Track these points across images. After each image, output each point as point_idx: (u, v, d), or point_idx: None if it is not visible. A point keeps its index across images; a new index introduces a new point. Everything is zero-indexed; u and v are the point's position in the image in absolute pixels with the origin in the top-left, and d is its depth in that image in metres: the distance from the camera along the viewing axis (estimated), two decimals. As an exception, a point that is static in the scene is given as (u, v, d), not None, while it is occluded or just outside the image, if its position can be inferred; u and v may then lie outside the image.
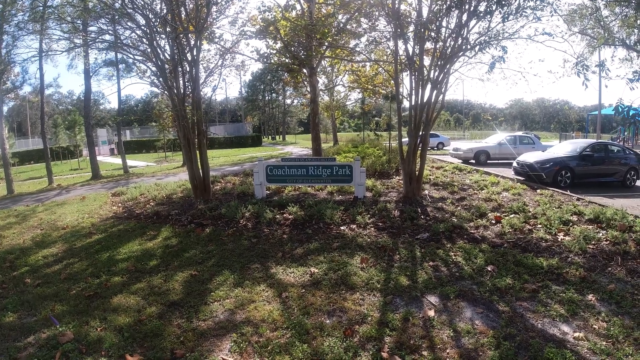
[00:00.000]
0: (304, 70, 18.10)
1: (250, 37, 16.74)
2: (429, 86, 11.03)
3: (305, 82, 23.91)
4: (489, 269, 6.22)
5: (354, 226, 8.77)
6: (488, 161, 20.88)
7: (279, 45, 17.29)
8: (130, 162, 26.85)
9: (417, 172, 11.26)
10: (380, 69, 22.04)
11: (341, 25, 16.88)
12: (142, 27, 11.37)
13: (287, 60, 18.15)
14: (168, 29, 11.12)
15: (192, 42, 11.35)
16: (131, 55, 13.88)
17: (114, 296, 5.61)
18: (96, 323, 4.86)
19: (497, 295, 5.39)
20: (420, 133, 11.26)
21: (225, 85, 49.94)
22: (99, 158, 30.77)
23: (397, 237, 8.01)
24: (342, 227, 8.70)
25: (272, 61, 18.06)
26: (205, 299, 5.46)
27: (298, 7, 18.08)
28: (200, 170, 11.46)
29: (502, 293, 5.44)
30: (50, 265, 7.33)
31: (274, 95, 65.33)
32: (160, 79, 11.56)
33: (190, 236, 8.46)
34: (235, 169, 19.89)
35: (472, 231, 8.26)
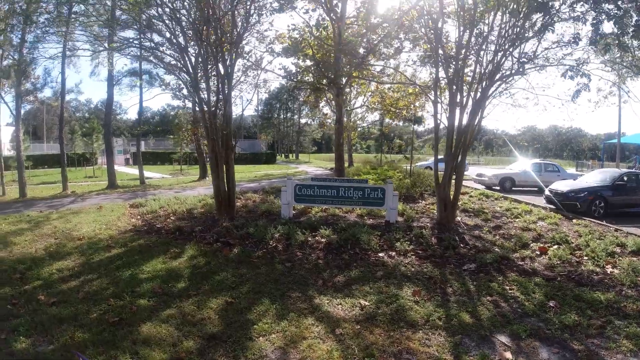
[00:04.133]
0: (330, 90, 17.74)
1: (279, 55, 16.53)
2: (467, 110, 10.58)
3: (331, 102, 23.68)
4: (551, 304, 6.01)
5: (393, 253, 8.28)
6: (513, 188, 20.13)
7: (307, 63, 17.07)
8: (145, 173, 26.47)
9: (451, 198, 10.72)
10: (403, 92, 21.74)
11: (371, 46, 16.58)
12: (174, 40, 11.07)
13: (311, 79, 17.92)
14: (202, 42, 10.76)
15: (226, 56, 10.97)
16: (161, 66, 13.51)
17: (142, 324, 4.95)
18: (127, 359, 4.20)
19: (567, 332, 5.18)
20: (457, 158, 10.78)
21: (241, 102, 49.93)
22: (115, 167, 30.52)
23: (442, 267, 7.64)
24: (380, 254, 8.21)
25: (298, 79, 17.74)
26: (249, 332, 4.80)
27: (330, 28, 17.84)
28: (226, 186, 10.89)
29: (571, 330, 5.24)
30: (66, 280, 6.70)
31: (289, 114, 65.45)
32: (191, 91, 11.15)
33: (217, 256, 7.84)
34: (253, 186, 19.34)
35: (520, 263, 8.05)
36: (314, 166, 40.22)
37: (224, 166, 10.82)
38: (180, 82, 21.94)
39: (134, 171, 27.99)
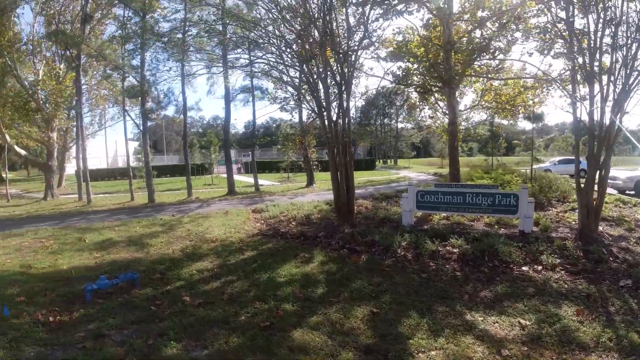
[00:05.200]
0: (442, 91, 16.90)
1: (384, 60, 16.25)
2: (607, 104, 9.13)
3: (436, 104, 22.72)
4: None
5: (539, 267, 7.38)
6: (653, 192, 17.14)
7: (408, 65, 16.59)
8: (253, 180, 27.95)
9: (594, 205, 9.34)
10: (522, 87, 19.96)
11: (484, 42, 15.46)
12: (292, 54, 11.39)
13: (418, 82, 17.35)
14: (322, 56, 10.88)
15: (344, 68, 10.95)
16: (284, 80, 14.07)
17: (292, 330, 4.90)
18: (290, 368, 4.13)
19: None
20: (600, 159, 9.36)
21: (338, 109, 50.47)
22: (226, 176, 32.89)
23: (597, 284, 6.64)
24: (523, 268, 7.37)
25: (407, 82, 17.25)
26: (406, 346, 4.48)
27: (438, 26, 17.09)
28: (346, 193, 10.80)
29: None
30: (206, 281, 6.98)
31: (385, 119, 64.76)
32: (306, 101, 11.33)
33: (346, 263, 7.70)
34: (360, 192, 19.16)
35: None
36: (415, 171, 38.98)
37: (344, 173, 10.75)
38: (287, 95, 23.07)
39: (245, 179, 29.74)
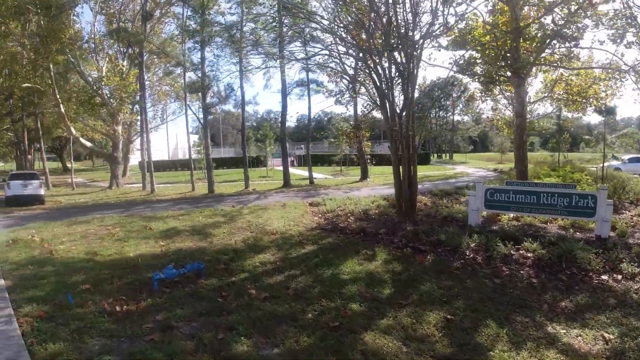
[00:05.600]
0: (510, 80, 15.87)
1: (446, 49, 15.49)
2: None
3: (497, 96, 21.59)
4: None
5: (619, 276, 6.77)
6: None
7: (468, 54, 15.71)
8: (306, 173, 28.00)
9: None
10: (593, 78, 18.49)
11: (556, 28, 14.29)
12: (350, 45, 11.09)
13: (480, 71, 16.44)
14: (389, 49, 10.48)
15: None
16: (344, 74, 13.83)
17: (363, 332, 4.70)
18: (365, 373, 3.92)
19: None
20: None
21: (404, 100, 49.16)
22: (280, 169, 33.20)
23: None
24: (602, 276, 6.78)
25: (472, 71, 16.35)
26: (487, 359, 4.12)
27: (506, 12, 16.04)
28: (408, 189, 10.39)
29: None
30: (270, 274, 6.94)
31: (441, 112, 62.56)
32: (372, 92, 11.01)
33: (411, 263, 7.36)
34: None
35: None
36: (473, 167, 37.34)
37: (407, 167, 10.33)
38: (342, 88, 22.78)
39: (299, 172, 29.84)
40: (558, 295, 6.07)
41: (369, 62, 10.76)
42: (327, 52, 14.60)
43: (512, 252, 7.73)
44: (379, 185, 20.41)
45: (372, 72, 10.82)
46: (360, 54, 11.91)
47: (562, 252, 7.46)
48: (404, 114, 10.36)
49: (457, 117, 61.09)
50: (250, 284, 6.38)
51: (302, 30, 15.71)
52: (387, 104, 10.39)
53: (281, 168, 22.86)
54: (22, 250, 8.68)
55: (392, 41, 9.97)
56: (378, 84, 10.54)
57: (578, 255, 7.28)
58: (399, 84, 10.67)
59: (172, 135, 50.84)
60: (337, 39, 13.17)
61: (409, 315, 5.19)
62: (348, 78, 22.43)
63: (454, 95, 52.02)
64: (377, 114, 25.18)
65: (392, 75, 10.38)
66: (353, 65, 22.42)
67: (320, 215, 11.98)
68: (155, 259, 7.78)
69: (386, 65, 10.46)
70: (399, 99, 10.84)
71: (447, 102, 56.59)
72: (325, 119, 66.43)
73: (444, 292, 6.01)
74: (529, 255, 7.62)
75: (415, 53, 10.34)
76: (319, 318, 5.09)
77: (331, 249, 8.33)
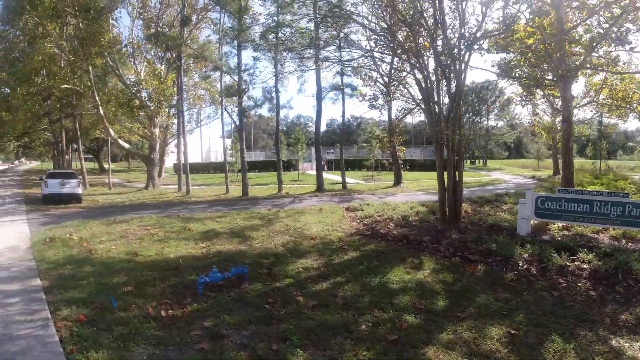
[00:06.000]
0: (556, 84, 15.25)
1: (487, 52, 15.02)
2: None
3: (549, 99, 20.83)
4: None
5: None
6: None
7: (519, 57, 15.12)
8: (338, 178, 27.83)
9: None
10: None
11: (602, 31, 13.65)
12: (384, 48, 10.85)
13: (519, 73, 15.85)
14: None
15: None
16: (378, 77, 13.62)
17: (424, 347, 4.44)
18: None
19: None
20: None
21: (419, 109, 48.36)
22: (310, 172, 33.25)
23: None
24: None
25: (515, 75, 15.80)
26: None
27: (552, 13, 15.43)
28: (452, 195, 10.02)
29: None
30: (314, 280, 6.73)
31: (475, 118, 61.19)
32: (421, 98, 10.71)
33: (462, 273, 7.03)
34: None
35: None
36: (509, 173, 36.19)
37: (452, 173, 9.97)
38: (376, 92, 22.53)
39: (330, 176, 29.73)
40: (618, 308, 5.74)
41: (412, 60, 10.47)
42: (365, 54, 14.43)
43: (567, 263, 7.29)
44: (413, 191, 20.01)
45: (417, 72, 10.54)
46: (404, 55, 11.62)
47: (618, 263, 7.03)
48: (451, 115, 10.01)
49: (491, 122, 59.65)
50: (296, 291, 6.17)
51: (338, 34, 15.63)
52: (433, 106, 10.07)
53: (312, 172, 22.87)
54: (60, 249, 8.58)
55: (439, 44, 9.71)
56: (423, 85, 10.24)
57: (634, 266, 6.89)
58: (444, 85, 10.34)
59: (205, 138, 51.82)
60: (378, 38, 12.95)
61: (469, 329, 4.89)
62: (383, 82, 22.24)
63: (489, 100, 50.78)
64: (409, 120, 24.81)
65: (439, 77, 10.06)
66: (387, 69, 22.26)
67: (358, 220, 11.75)
68: (196, 261, 7.67)
69: (432, 66, 10.19)
70: (443, 101, 10.52)
71: (482, 107, 55.31)
72: (355, 123, 66.17)
73: (502, 305, 5.68)
74: (584, 266, 7.18)
75: (461, 55, 10.02)
76: (374, 330, 4.85)
77: (374, 256, 8.08)
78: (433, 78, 10.29)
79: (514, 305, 5.71)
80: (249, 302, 5.68)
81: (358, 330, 4.81)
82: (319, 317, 5.17)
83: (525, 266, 7.29)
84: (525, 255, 7.64)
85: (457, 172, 9.95)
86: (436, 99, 10.07)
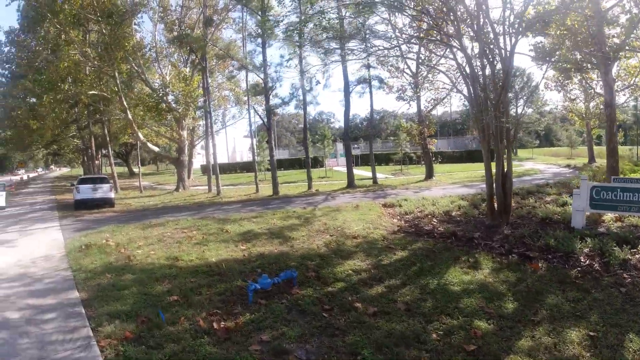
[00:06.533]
0: (598, 67, 14.51)
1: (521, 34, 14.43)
2: None
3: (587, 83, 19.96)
4: None
5: None
6: None
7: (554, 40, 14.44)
8: (366, 173, 27.51)
9: None
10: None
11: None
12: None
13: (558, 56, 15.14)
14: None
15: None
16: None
17: (506, 356, 4.14)
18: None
19: None
20: None
21: (449, 98, 47.23)
22: (337, 168, 33.01)
23: None
24: None
25: (555, 58, 15.12)
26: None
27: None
28: (502, 188, 9.59)
29: None
30: (367, 284, 6.38)
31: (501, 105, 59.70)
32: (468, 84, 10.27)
33: (524, 271, 6.65)
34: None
35: None
36: (542, 163, 35.02)
37: (501, 164, 9.51)
38: (403, 84, 22.08)
39: (358, 172, 29.39)
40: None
41: (454, 43, 10.03)
42: (392, 45, 14.00)
43: (629, 257, 6.85)
44: (448, 184, 19.51)
45: (458, 55, 10.11)
46: (444, 37, 11.15)
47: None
48: (499, 100, 9.54)
49: (519, 110, 57.99)
50: (351, 296, 5.83)
51: (362, 25, 15.22)
52: (478, 92, 9.61)
53: (337, 168, 22.59)
54: (97, 257, 8.31)
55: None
56: (468, 70, 9.80)
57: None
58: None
59: (230, 139, 52.28)
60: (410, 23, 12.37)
61: (547, 333, 4.57)
62: (411, 72, 21.75)
63: (516, 86, 49.31)
64: (434, 112, 24.08)
65: (483, 62, 9.61)
66: (415, 59, 21.73)
67: (398, 217, 11.45)
68: (239, 265, 7.45)
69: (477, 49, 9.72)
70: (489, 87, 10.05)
71: (510, 94, 53.86)
72: (377, 117, 65.43)
73: (574, 305, 5.32)
74: (649, 261, 6.73)
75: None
76: (448, 339, 4.53)
77: (424, 255, 7.77)
78: (475, 63, 9.86)
79: (586, 304, 5.34)
80: (305, 310, 5.36)
81: (431, 341, 4.49)
82: (385, 327, 4.84)
83: (587, 262, 6.87)
84: (586, 250, 7.22)
85: (505, 164, 9.51)
86: (483, 82, 9.62)
